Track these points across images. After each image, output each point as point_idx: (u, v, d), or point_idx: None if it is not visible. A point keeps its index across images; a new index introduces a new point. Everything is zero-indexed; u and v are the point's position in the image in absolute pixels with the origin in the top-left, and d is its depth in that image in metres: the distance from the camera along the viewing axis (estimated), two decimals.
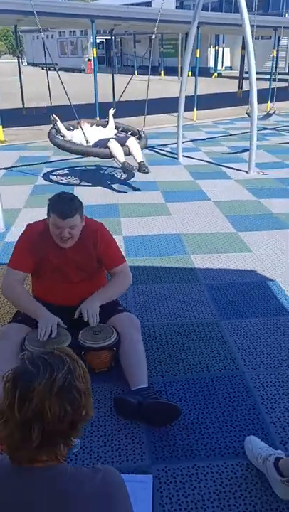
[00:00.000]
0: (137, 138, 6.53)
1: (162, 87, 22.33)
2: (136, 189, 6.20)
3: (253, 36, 18.77)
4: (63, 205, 2.47)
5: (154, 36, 7.12)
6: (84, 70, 32.92)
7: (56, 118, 6.39)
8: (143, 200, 5.67)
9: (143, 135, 6.72)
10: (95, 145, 6.16)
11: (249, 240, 4.46)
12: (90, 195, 5.86)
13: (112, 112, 6.90)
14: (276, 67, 13.79)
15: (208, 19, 11.45)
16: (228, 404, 2.36)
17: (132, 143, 6.14)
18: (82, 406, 1.15)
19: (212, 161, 7.86)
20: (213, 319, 3.13)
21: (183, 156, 8.01)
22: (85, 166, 7.55)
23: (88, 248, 2.66)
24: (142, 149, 6.35)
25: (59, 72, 6.74)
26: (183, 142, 8.34)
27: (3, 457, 1.20)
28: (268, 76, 18.69)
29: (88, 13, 9.38)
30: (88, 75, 31.47)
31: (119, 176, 6.93)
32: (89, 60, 32.96)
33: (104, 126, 6.83)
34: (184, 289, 3.53)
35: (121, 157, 5.92)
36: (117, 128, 6.92)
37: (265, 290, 3.51)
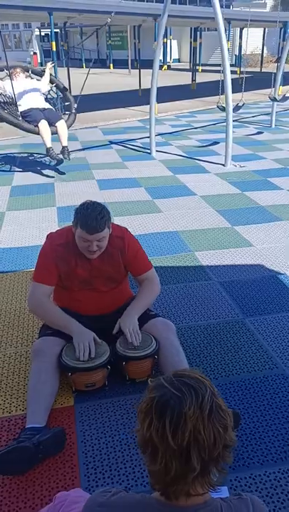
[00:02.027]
0: (67, 109, 6.91)
1: (114, 80, 22.14)
2: (62, 173, 6.60)
3: (200, 29, 18.85)
4: (92, 219, 2.31)
5: (128, 27, 7.05)
6: (30, 64, 32.07)
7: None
8: (129, 197, 5.55)
9: (74, 110, 6.90)
10: (26, 115, 6.19)
11: (247, 234, 4.46)
12: (70, 195, 5.68)
13: (50, 65, 7.00)
14: (240, 58, 13.93)
15: (176, 12, 11.40)
16: (278, 405, 2.33)
17: (61, 125, 6.42)
18: (229, 426, 1.08)
19: (186, 155, 7.83)
20: (237, 318, 3.10)
21: (156, 150, 7.92)
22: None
23: (116, 256, 2.55)
24: (69, 127, 6.70)
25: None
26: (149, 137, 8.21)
27: (144, 500, 1.10)
28: (214, 68, 18.86)
29: (48, 6, 9.07)
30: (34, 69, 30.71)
31: (97, 173, 6.77)
32: (34, 53, 32.18)
33: (40, 76, 6.92)
34: (198, 288, 3.48)
35: (48, 142, 6.26)
36: (51, 82, 7.00)
37: (278, 284, 3.52)
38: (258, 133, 9.72)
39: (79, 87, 7.28)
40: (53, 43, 9.81)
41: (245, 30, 20.09)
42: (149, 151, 7.96)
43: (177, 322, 3.04)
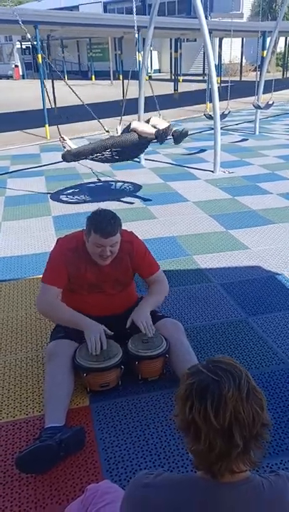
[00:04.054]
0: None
1: (97, 91, 22.30)
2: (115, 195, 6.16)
3: (180, 40, 19.13)
4: (106, 224, 2.41)
5: (109, 39, 7.20)
6: (11, 77, 32.15)
7: (65, 137, 5.81)
8: (122, 205, 5.64)
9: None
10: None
11: (242, 237, 4.58)
12: (64, 204, 5.75)
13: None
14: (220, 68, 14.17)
15: (159, 24, 11.56)
16: (288, 398, 2.42)
17: (138, 124, 5.73)
18: (265, 406, 1.15)
19: (174, 162, 7.96)
20: (240, 317, 3.19)
21: (145, 159, 8.04)
22: (51, 175, 7.38)
23: (125, 261, 2.63)
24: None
25: None
26: None
27: (189, 479, 1.16)
28: (195, 78, 19.02)
29: (33, 19, 9.17)
30: (16, 81, 30.80)
31: (91, 182, 6.84)
32: (16, 65, 32.27)
33: None
34: (200, 290, 3.57)
35: (151, 129, 5.46)
36: None
37: (277, 284, 3.63)
38: (243, 140, 9.92)
39: (62, 98, 7.34)
40: (39, 56, 9.89)
41: (225, 40, 20.46)
42: (138, 159, 8.06)
43: (182, 323, 3.08)
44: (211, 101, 7.07)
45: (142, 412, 2.36)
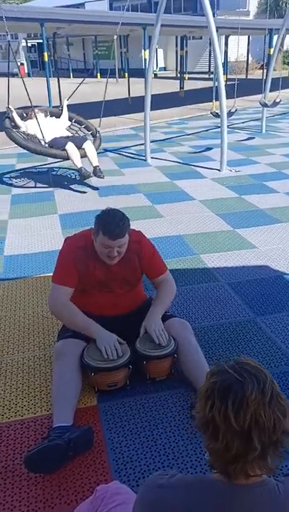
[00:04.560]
0: (92, 136, 6.76)
1: (102, 89, 22.28)
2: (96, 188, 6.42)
3: (186, 37, 19.01)
4: (115, 226, 2.38)
5: (115, 37, 7.27)
6: (17, 75, 32.15)
7: (12, 108, 6.28)
8: (129, 203, 5.62)
9: (98, 134, 6.79)
10: (51, 144, 6.18)
11: (249, 236, 4.55)
12: (71, 202, 5.74)
13: (66, 102, 6.94)
14: (226, 65, 14.13)
15: (165, 21, 11.54)
16: None
17: (89, 146, 6.30)
18: (288, 414, 1.14)
19: (180, 161, 7.93)
20: (248, 317, 3.17)
21: (151, 157, 8.02)
22: (54, 170, 7.38)
23: (133, 261, 2.61)
24: (97, 149, 6.56)
25: None
26: (143, 144, 8.30)
27: (204, 480, 1.15)
28: (201, 76, 18.90)
29: (39, 17, 9.16)
30: (22, 79, 30.78)
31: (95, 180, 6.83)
32: (21, 64, 32.27)
33: (58, 116, 6.84)
34: (207, 290, 3.55)
35: (78, 162, 6.12)
36: (70, 119, 6.95)
37: (286, 283, 3.61)
38: (250, 138, 9.87)
39: (68, 95, 7.36)
40: (45, 54, 9.88)
41: (232, 37, 20.40)
42: (144, 157, 8.06)
43: (190, 322, 3.07)
44: (217, 99, 7.04)
45: (150, 412, 2.35)
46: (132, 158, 8.30)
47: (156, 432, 2.22)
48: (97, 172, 6.24)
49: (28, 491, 1.94)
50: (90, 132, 6.97)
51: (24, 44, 32.38)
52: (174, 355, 2.49)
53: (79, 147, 6.19)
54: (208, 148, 8.81)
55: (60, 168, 7.59)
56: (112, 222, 2.40)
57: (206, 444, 1.12)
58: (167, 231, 4.72)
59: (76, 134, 6.84)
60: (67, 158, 6.16)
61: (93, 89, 12.71)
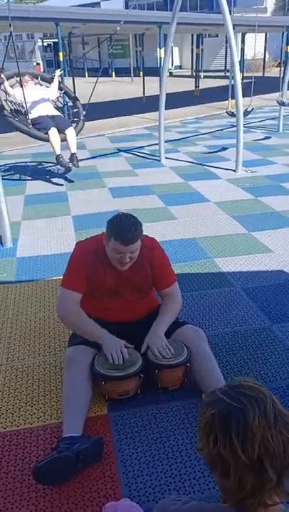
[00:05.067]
0: (76, 122, 6.91)
1: (116, 88, 22.25)
2: (71, 181, 6.70)
3: (202, 35, 18.81)
4: (127, 231, 2.33)
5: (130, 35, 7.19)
6: None
7: (3, 76, 6.31)
8: (142, 205, 5.56)
9: (82, 117, 6.88)
10: (36, 122, 6.26)
11: (265, 239, 4.46)
12: (84, 203, 5.71)
13: (58, 73, 7.11)
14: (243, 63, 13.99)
15: (180, 19, 11.48)
16: None
17: (71, 133, 6.51)
18: None
19: (195, 161, 7.85)
20: (264, 324, 3.09)
21: (165, 157, 7.94)
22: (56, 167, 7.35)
23: (145, 268, 2.55)
24: (78, 133, 6.76)
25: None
26: (157, 144, 8.21)
27: (220, 511, 1.09)
28: (217, 74, 18.67)
29: (54, 16, 9.15)
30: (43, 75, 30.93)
31: (107, 183, 6.79)
32: (37, 63, 32.43)
33: (49, 83, 7.01)
34: (221, 295, 3.48)
35: (58, 149, 6.36)
36: (60, 89, 7.08)
37: None
38: (266, 138, 9.74)
39: (83, 95, 7.35)
40: (60, 54, 9.87)
41: (248, 35, 20.21)
42: (158, 158, 7.99)
43: (203, 329, 3.00)
44: (233, 97, 6.94)
45: (162, 423, 2.29)
46: (146, 158, 8.24)
47: (168, 444, 2.16)
48: (73, 159, 6.52)
49: (36, 503, 1.90)
50: (75, 110, 7.08)
51: (40, 44, 32.49)
52: (186, 364, 2.42)
53: (61, 131, 6.39)
54: (224, 148, 8.71)
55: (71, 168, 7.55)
56: (124, 227, 2.34)
57: (218, 483, 1.06)
58: (181, 234, 4.65)
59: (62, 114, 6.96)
60: (48, 140, 6.33)
61: (106, 88, 12.66)
